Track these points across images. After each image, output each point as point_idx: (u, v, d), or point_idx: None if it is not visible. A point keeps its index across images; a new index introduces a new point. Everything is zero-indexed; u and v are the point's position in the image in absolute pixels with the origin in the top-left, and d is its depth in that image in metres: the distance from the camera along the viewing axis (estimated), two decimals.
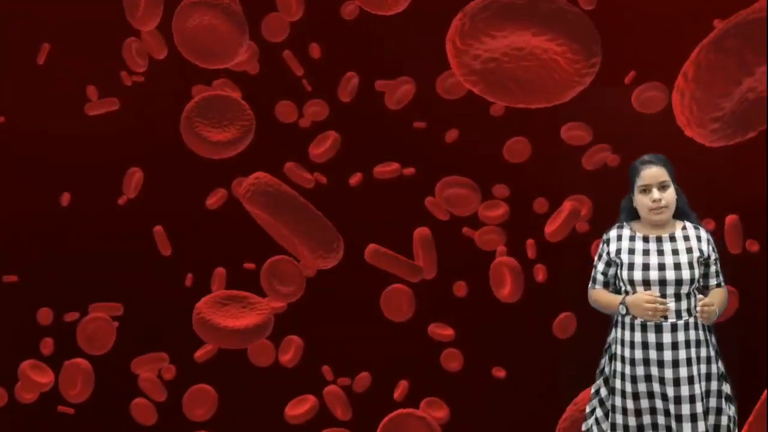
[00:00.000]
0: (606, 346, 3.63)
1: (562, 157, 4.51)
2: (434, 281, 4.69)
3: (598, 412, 3.59)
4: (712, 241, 3.60)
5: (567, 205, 4.50)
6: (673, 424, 3.42)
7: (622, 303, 3.48)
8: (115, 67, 4.77)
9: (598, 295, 3.64)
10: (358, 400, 4.78)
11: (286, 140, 4.71)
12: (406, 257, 4.68)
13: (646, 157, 3.59)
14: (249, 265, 4.78)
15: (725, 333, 3.78)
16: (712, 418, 3.46)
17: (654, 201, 3.48)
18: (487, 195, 4.63)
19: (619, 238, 3.59)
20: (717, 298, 3.56)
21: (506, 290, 4.62)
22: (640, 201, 3.53)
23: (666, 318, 3.41)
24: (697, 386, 3.42)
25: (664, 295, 3.45)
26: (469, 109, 4.56)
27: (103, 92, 4.80)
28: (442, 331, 4.72)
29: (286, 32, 4.68)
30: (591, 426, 3.62)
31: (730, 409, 3.52)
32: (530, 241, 4.61)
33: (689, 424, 3.40)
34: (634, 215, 3.63)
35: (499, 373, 4.66)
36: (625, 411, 3.50)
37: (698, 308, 3.44)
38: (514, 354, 4.64)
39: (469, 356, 4.67)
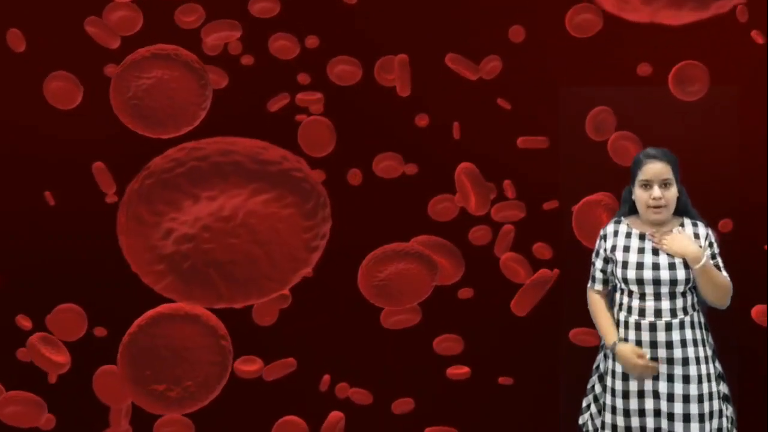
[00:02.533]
0: (602, 343, 3.63)
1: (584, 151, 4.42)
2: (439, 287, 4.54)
3: (593, 408, 3.61)
4: (711, 236, 3.53)
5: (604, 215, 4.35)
6: (664, 423, 3.40)
7: (611, 348, 3.48)
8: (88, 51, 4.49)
9: (596, 309, 3.61)
10: (356, 416, 4.59)
11: (278, 131, 4.48)
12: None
13: (651, 151, 3.52)
14: None
15: (723, 332, 3.73)
16: (715, 422, 3.41)
17: (654, 199, 3.44)
18: (497, 193, 4.50)
19: (616, 234, 3.57)
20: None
21: (517, 296, 4.47)
22: (640, 196, 3.49)
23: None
24: (693, 386, 3.38)
25: (658, 294, 3.40)
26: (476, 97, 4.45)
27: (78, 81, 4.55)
28: (448, 339, 4.56)
29: (276, 9, 4.49)
30: (586, 420, 3.63)
31: (727, 410, 3.49)
32: (542, 244, 4.48)
33: (681, 424, 3.36)
34: (633, 208, 3.58)
35: (506, 382, 4.53)
36: (614, 410, 3.48)
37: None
38: (521, 362, 4.53)
39: (477, 367, 4.54)
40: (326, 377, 4.57)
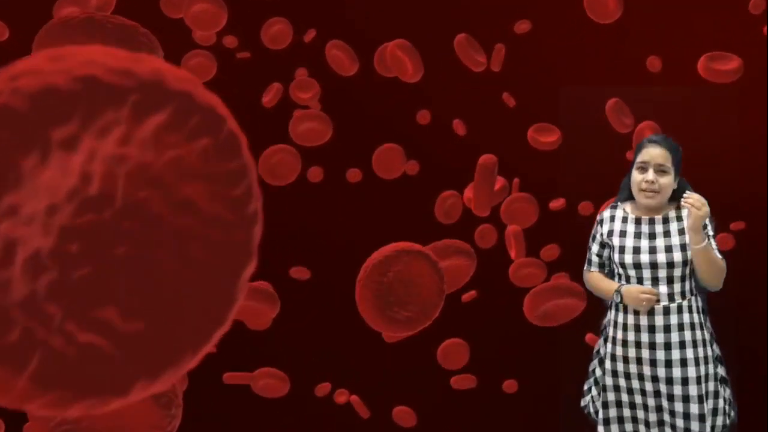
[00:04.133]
0: (602, 328, 3.69)
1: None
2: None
3: (593, 391, 3.68)
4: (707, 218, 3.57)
5: None
6: (665, 403, 3.47)
7: (618, 291, 3.51)
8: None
9: (594, 279, 3.68)
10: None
11: (272, 127, 4.40)
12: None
13: (654, 137, 3.59)
14: None
15: (723, 324, 3.71)
16: (711, 402, 3.48)
17: (646, 182, 3.47)
18: (507, 192, 4.42)
19: (612, 219, 3.62)
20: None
21: (528, 300, 4.27)
22: (635, 178, 3.53)
23: (658, 301, 3.45)
24: (691, 369, 3.43)
25: (656, 278, 3.46)
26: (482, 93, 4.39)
27: None
28: (451, 343, 4.43)
29: None
30: (588, 403, 3.70)
31: (725, 392, 3.55)
32: (551, 245, 4.45)
33: (681, 404, 3.43)
34: (632, 194, 3.62)
35: (511, 390, 4.48)
36: (617, 389, 3.55)
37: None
38: (526, 369, 4.47)
39: (482, 374, 4.47)
40: (324, 386, 4.50)
